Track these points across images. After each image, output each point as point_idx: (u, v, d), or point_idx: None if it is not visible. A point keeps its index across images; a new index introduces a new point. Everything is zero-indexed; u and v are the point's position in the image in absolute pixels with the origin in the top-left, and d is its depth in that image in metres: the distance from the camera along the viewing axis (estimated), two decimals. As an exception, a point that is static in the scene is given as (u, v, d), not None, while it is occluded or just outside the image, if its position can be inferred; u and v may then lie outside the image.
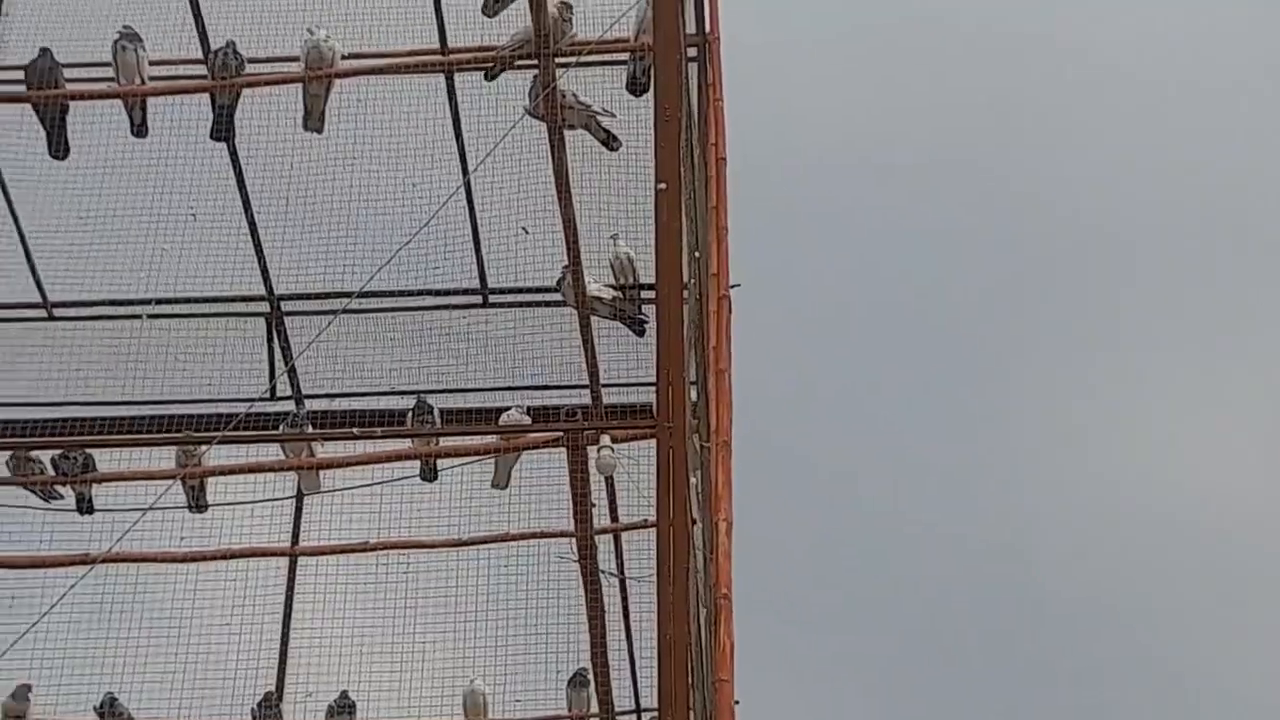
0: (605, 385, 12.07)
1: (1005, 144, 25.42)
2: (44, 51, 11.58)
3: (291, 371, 12.82)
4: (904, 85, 25.56)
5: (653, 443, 10.36)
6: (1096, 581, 24.14)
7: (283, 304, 13.10)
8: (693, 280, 11.08)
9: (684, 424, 9.99)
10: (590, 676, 11.92)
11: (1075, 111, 25.64)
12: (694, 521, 10.37)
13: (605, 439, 11.10)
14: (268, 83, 11.75)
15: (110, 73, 11.76)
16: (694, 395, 11.00)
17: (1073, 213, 25.39)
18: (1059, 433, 25.36)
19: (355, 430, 11.33)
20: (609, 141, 11.64)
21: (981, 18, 25.14)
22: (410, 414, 12.29)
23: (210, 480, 12.13)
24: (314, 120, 11.81)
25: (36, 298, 12.92)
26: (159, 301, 12.35)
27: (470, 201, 12.41)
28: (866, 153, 25.21)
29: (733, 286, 12.12)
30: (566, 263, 11.82)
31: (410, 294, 12.76)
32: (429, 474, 12.04)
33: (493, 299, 13.01)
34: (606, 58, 11.65)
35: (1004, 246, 25.47)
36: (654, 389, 10.81)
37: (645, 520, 10.88)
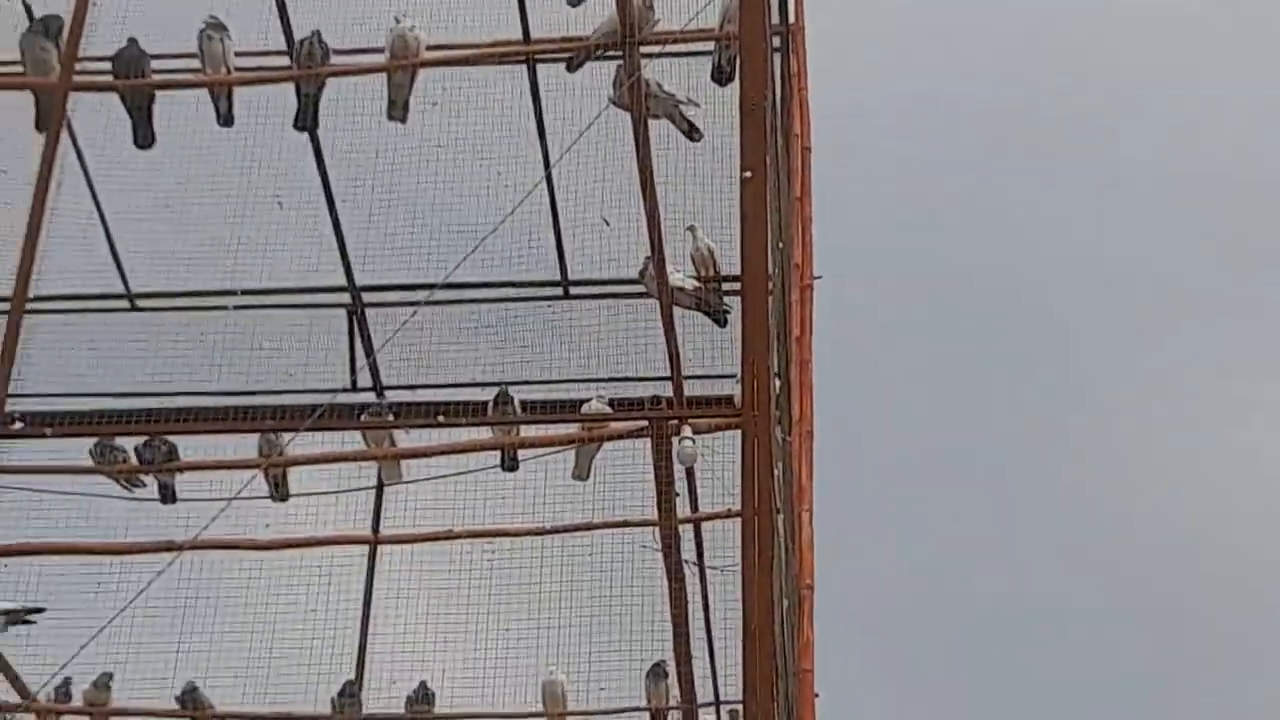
0: (687, 377, 12.05)
1: (1097, 124, 25.22)
2: (131, 41, 11.65)
3: (373, 363, 12.86)
4: (988, 65, 25.42)
5: (734, 433, 10.32)
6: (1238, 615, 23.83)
7: (364, 295, 13.16)
8: (776, 270, 11.04)
9: (769, 414, 9.95)
10: (669, 668, 11.90)
11: (1170, 96, 25.33)
12: (777, 511, 10.34)
13: (686, 429, 11.09)
14: (352, 72, 11.78)
15: (196, 63, 11.81)
16: (776, 386, 10.97)
17: (1173, 200, 25.09)
18: (1178, 416, 24.95)
19: (440, 417, 11.34)
20: (691, 132, 11.61)
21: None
22: (491, 404, 12.30)
23: (292, 470, 12.18)
24: (398, 110, 11.82)
25: (120, 288, 13.02)
26: (242, 292, 12.40)
27: (552, 193, 12.42)
28: (948, 136, 25.11)
29: (815, 278, 12.09)
30: (648, 254, 11.81)
31: (491, 286, 12.79)
32: (510, 464, 12.05)
33: (574, 290, 13.02)
34: (691, 47, 11.63)
35: (1090, 230, 25.27)
36: (735, 380, 10.78)
37: (729, 510, 10.86)
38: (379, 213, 12.20)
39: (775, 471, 10.40)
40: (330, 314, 13.25)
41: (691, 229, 12.04)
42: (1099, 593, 24.29)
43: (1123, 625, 24.11)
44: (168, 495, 12.11)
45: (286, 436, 11.58)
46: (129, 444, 12.06)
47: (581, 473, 12.07)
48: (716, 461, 11.26)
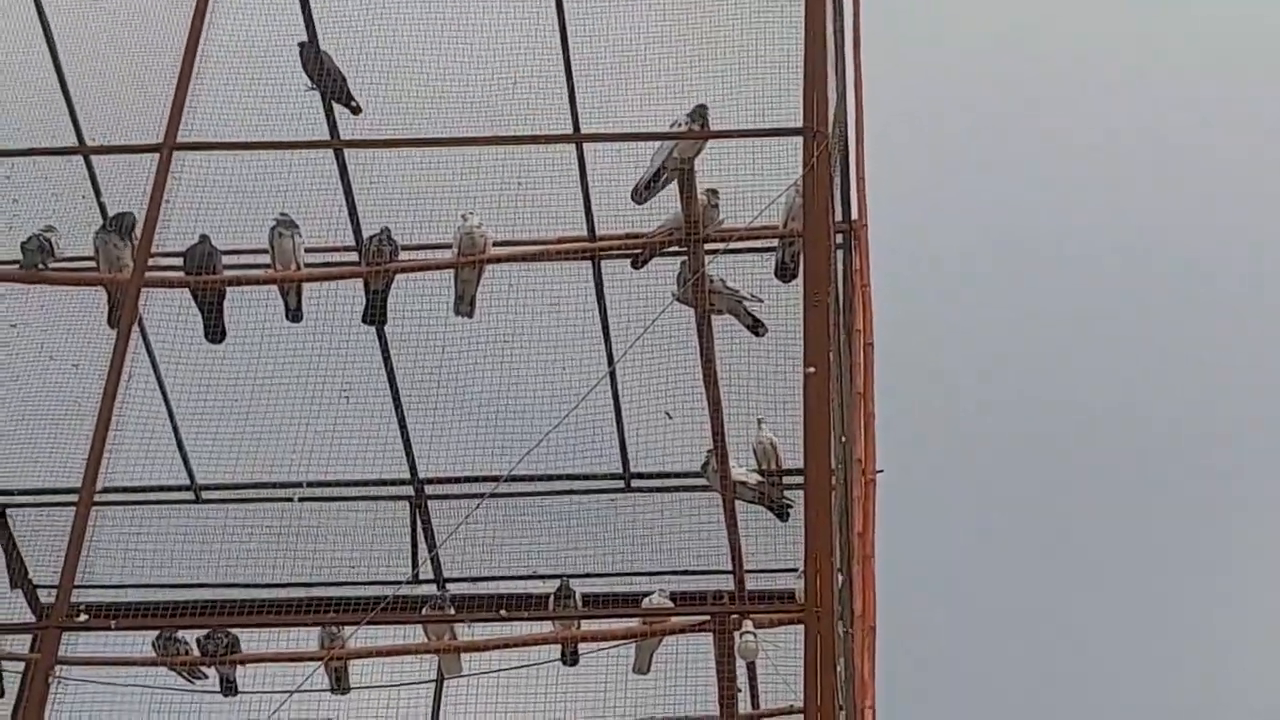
0: (749, 570, 12.04)
1: (1158, 321, 25.19)
2: (203, 238, 11.86)
3: (435, 556, 12.91)
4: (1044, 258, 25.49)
5: (794, 628, 10.28)
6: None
7: (426, 487, 13.23)
8: (839, 465, 11.07)
9: (832, 610, 9.92)
10: None
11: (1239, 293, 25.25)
12: (840, 708, 10.27)
13: (747, 624, 11.05)
14: (420, 268, 11.96)
15: (267, 258, 12.01)
16: (838, 581, 10.95)
17: (1243, 391, 24.90)
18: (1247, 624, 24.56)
19: (503, 611, 11.34)
20: (756, 327, 11.72)
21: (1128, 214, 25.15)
22: (552, 598, 12.31)
23: (353, 662, 12.16)
24: (464, 305, 11.99)
25: (185, 479, 13.13)
26: (309, 484, 12.47)
27: (615, 387, 12.52)
28: (1010, 331, 25.14)
29: (877, 472, 12.10)
30: (710, 447, 11.86)
31: (554, 478, 12.84)
32: (570, 658, 12.01)
33: (636, 483, 13.09)
34: (754, 244, 11.77)
35: (1160, 435, 25.13)
36: (797, 574, 10.76)
37: (791, 706, 10.78)
38: (444, 405, 12.30)
39: (837, 667, 10.34)
40: (393, 506, 13.32)
41: (760, 422, 12.09)
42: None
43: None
44: (229, 688, 12.10)
45: (348, 629, 11.58)
46: (191, 636, 12.08)
47: (642, 667, 12.02)
48: (778, 656, 11.19)
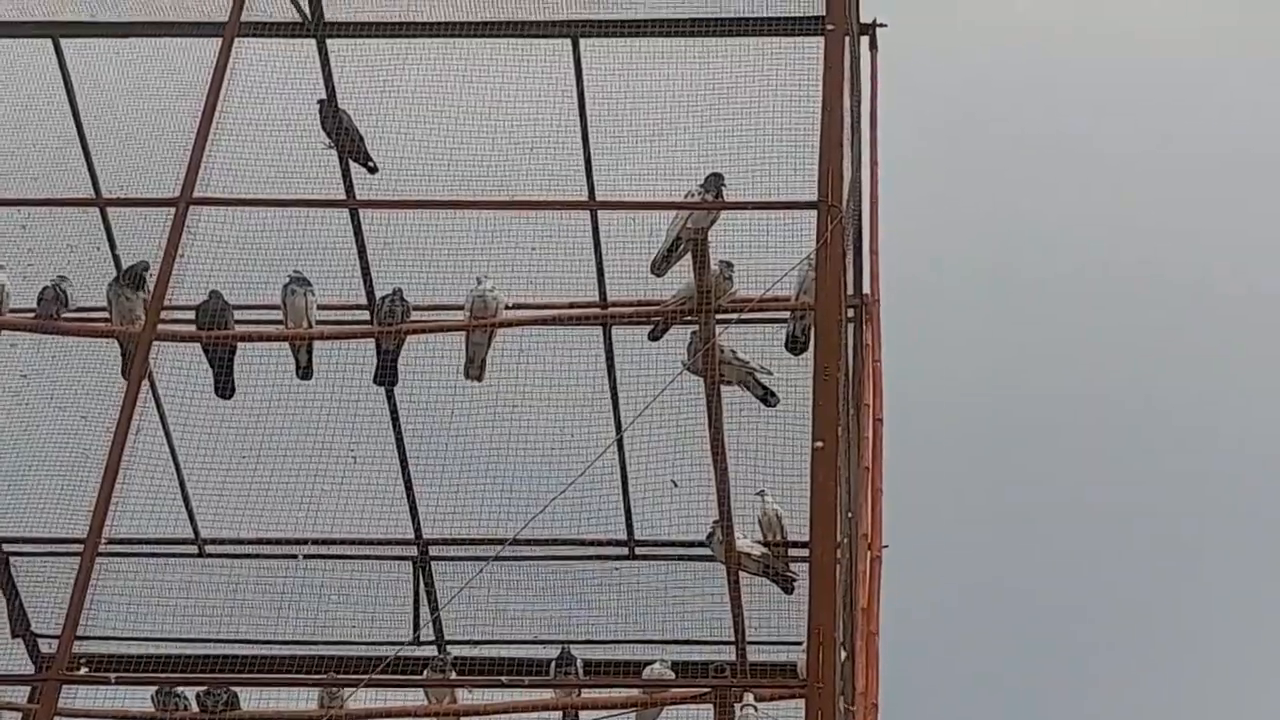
0: (751, 642, 12.00)
1: (1160, 394, 25.11)
2: (215, 294, 11.87)
3: (437, 618, 12.88)
4: (1054, 335, 25.42)
5: (796, 702, 10.24)
6: None
7: (430, 548, 13.22)
8: (844, 539, 11.04)
9: (833, 686, 9.87)
10: None
11: (1235, 355, 25.13)
12: (840, 786, 10.21)
13: (749, 697, 11.01)
14: (432, 329, 11.97)
15: (279, 314, 12.02)
16: (840, 655, 10.90)
17: (1241, 461, 24.75)
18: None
19: (504, 679, 11.30)
20: (767, 397, 11.70)
21: (1135, 265, 25.08)
22: (553, 664, 12.28)
23: (350, 722, 12.11)
24: (475, 368, 12.00)
25: (190, 533, 13.12)
26: (313, 542, 12.46)
27: (622, 454, 12.51)
28: (1017, 408, 25.07)
29: (883, 548, 12.08)
30: (716, 518, 11.84)
31: (557, 543, 12.83)
32: (570, 725, 11.99)
33: (639, 551, 13.06)
34: (767, 316, 11.77)
35: (1165, 509, 25.00)
36: (799, 648, 10.71)
37: (791, 782, 10.71)
38: (450, 467, 12.29)
39: (838, 744, 10.29)
40: (396, 566, 13.30)
41: (761, 494, 12.08)
42: None
43: None
44: (227, 744, 12.05)
45: (348, 690, 11.54)
46: (190, 691, 12.04)
47: (641, 737, 11.98)
48: (778, 730, 11.15)
